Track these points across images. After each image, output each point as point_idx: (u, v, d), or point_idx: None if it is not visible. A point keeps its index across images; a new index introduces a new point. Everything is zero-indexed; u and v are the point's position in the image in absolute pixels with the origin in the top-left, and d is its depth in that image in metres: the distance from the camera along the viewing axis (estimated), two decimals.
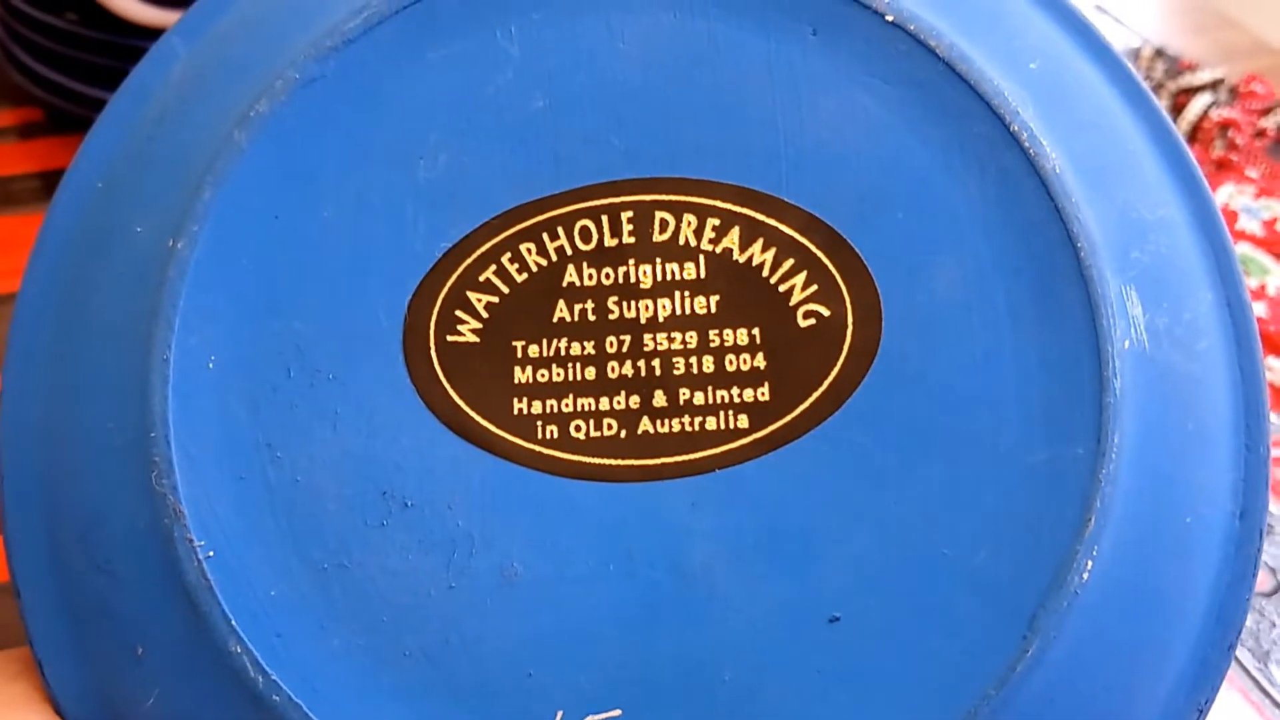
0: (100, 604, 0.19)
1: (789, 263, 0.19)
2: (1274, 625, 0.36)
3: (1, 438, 0.20)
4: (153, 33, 0.47)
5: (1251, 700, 0.32)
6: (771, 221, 0.19)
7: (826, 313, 0.19)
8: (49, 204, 0.21)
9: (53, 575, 0.19)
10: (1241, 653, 0.34)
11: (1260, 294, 0.47)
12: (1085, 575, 0.18)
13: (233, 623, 0.17)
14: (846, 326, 0.19)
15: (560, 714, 0.17)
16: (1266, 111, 0.53)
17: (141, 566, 0.18)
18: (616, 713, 0.17)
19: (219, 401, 0.18)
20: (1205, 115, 0.51)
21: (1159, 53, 0.56)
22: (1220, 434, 0.20)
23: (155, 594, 0.18)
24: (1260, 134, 0.51)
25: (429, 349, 0.19)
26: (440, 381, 0.19)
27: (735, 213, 0.19)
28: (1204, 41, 0.60)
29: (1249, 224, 0.48)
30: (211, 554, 0.18)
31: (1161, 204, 0.20)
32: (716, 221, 0.19)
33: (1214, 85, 0.53)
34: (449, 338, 0.19)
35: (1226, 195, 0.50)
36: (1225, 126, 0.51)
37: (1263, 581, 0.37)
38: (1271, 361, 0.44)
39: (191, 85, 0.21)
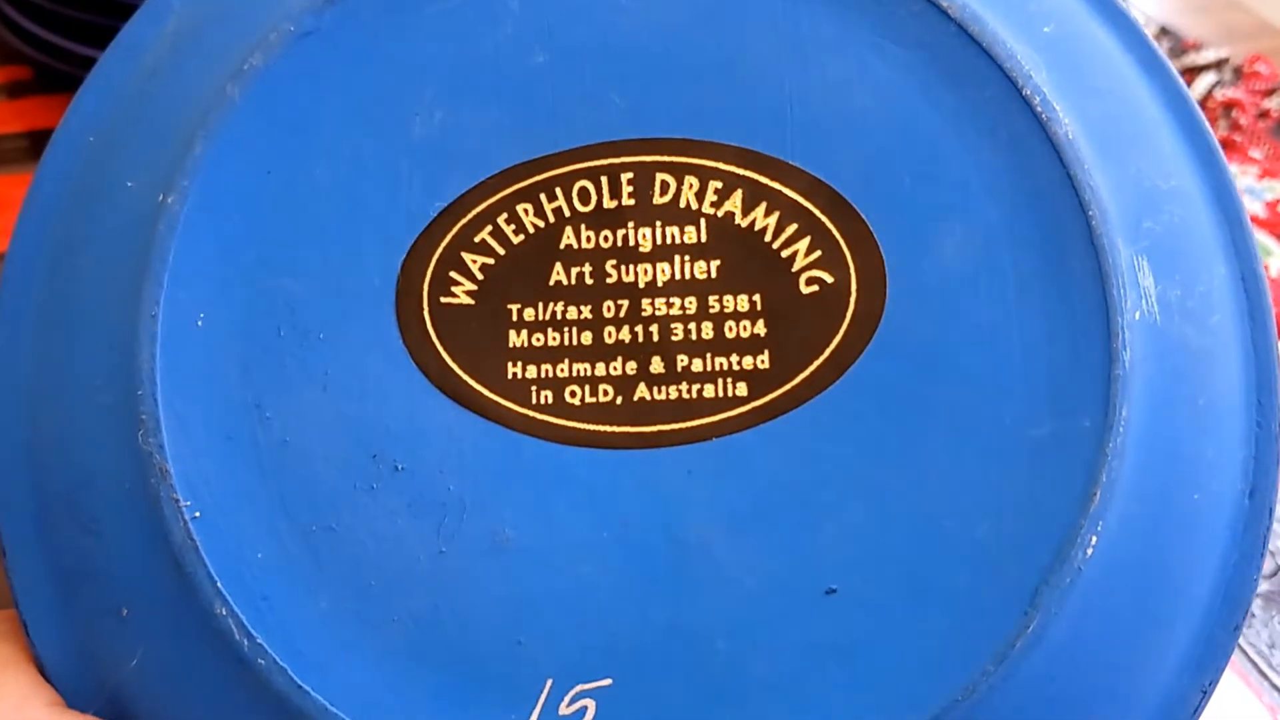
0: (86, 564, 0.18)
1: (792, 228, 0.19)
2: (1272, 609, 0.35)
3: None
4: None
5: (1251, 684, 0.32)
6: (775, 185, 0.19)
7: (830, 280, 0.18)
8: (38, 162, 0.20)
9: (39, 536, 0.19)
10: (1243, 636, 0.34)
11: None
12: (1089, 551, 0.17)
13: (218, 584, 0.17)
14: (850, 294, 0.18)
15: (550, 683, 0.17)
16: (1270, 92, 0.52)
17: (128, 527, 0.18)
18: (607, 682, 0.17)
19: (208, 360, 0.18)
20: (1209, 95, 0.51)
21: (1164, 31, 0.56)
22: (1231, 410, 0.19)
23: (141, 554, 0.18)
24: (1264, 115, 0.51)
25: (422, 310, 0.18)
26: (433, 343, 0.18)
27: (738, 175, 0.19)
28: (1209, 21, 0.59)
29: (1252, 205, 0.48)
30: (198, 514, 0.17)
31: (1176, 174, 0.20)
32: (719, 184, 0.19)
33: (1218, 65, 0.53)
34: (443, 299, 0.19)
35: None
36: (1229, 107, 0.51)
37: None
38: None
39: (185, 39, 0.20)
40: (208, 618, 0.17)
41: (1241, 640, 0.34)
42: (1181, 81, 0.21)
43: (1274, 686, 0.32)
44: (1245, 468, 0.19)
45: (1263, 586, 0.35)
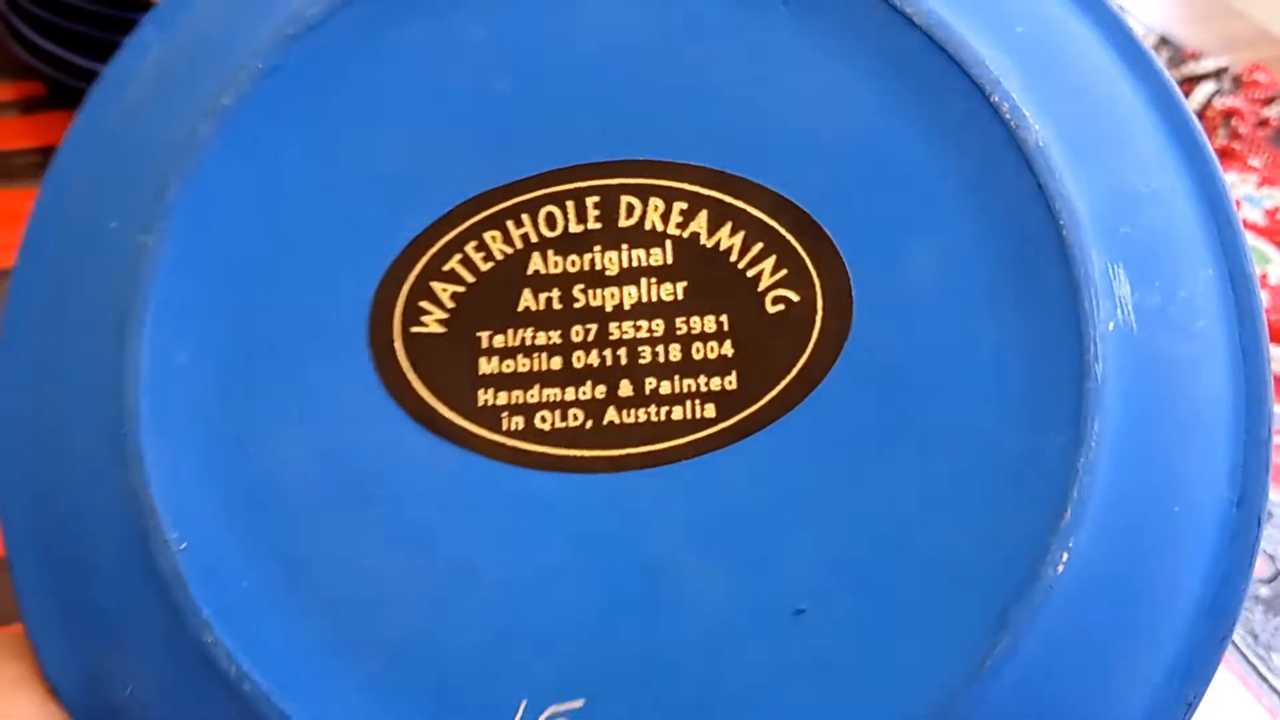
0: (84, 594, 0.19)
1: (758, 247, 0.19)
2: (1272, 613, 0.35)
3: None
4: (153, 6, 0.48)
5: (1250, 686, 0.32)
6: (740, 204, 0.19)
7: (796, 298, 0.18)
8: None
9: (44, 562, 0.19)
10: (1239, 637, 0.34)
11: (1263, 283, 0.46)
12: (1060, 568, 0.17)
13: (204, 615, 0.17)
14: (816, 312, 0.18)
15: (524, 705, 0.17)
16: (1269, 101, 0.52)
17: (120, 559, 0.18)
18: (579, 703, 0.17)
19: (190, 397, 0.18)
20: (1209, 104, 0.51)
21: (1163, 41, 0.56)
22: (1217, 417, 0.19)
23: (133, 586, 0.18)
24: (1263, 123, 0.51)
25: (393, 341, 0.19)
26: (405, 374, 0.19)
27: (703, 195, 0.19)
28: (1208, 30, 0.59)
29: (1252, 213, 0.48)
30: (185, 546, 0.18)
31: (1158, 174, 0.19)
32: (684, 205, 0.19)
33: (1217, 74, 0.53)
34: (414, 329, 0.19)
35: (1229, 184, 0.50)
36: (1228, 115, 0.51)
37: (1261, 569, 0.36)
38: (1275, 352, 0.43)
39: (162, 76, 0.20)
40: (196, 645, 0.17)
41: (1241, 644, 0.34)
42: (1168, 77, 0.20)
43: (1273, 689, 0.32)
44: (1232, 476, 0.19)
45: (1263, 591, 0.35)
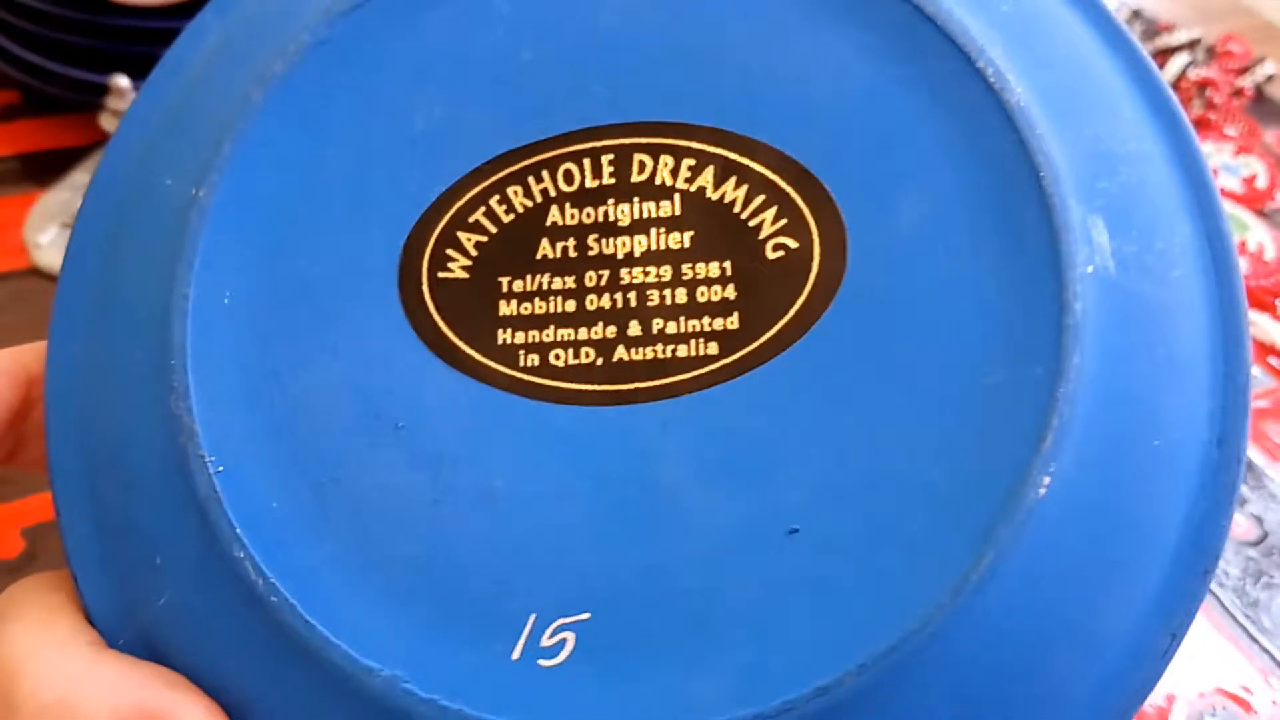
0: (125, 519, 0.20)
1: (760, 199, 0.20)
2: (1261, 574, 0.37)
3: (48, 374, 0.21)
4: (127, 11, 0.49)
5: (1242, 648, 0.34)
6: (744, 160, 0.20)
7: (794, 245, 0.20)
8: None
9: (87, 497, 0.21)
10: (1230, 600, 0.35)
11: (1241, 249, 0.48)
12: (1042, 490, 0.18)
13: (238, 531, 0.19)
14: (813, 258, 0.20)
15: (533, 617, 0.19)
16: (1244, 70, 0.54)
17: (161, 482, 0.20)
18: (585, 616, 0.19)
19: (232, 334, 0.20)
20: (1183, 75, 0.52)
21: (1136, 14, 0.57)
22: (1196, 362, 0.20)
23: (172, 507, 0.19)
24: (1238, 93, 0.52)
25: (421, 285, 0.20)
26: (431, 315, 0.20)
27: (710, 153, 0.20)
28: (1181, 2, 0.61)
29: (1228, 181, 0.49)
30: (221, 469, 0.19)
31: (1135, 138, 0.21)
32: (692, 162, 0.20)
33: (1191, 45, 0.54)
34: (440, 274, 0.20)
35: (1206, 153, 0.52)
36: (1203, 86, 0.52)
37: (1248, 531, 0.38)
38: (1254, 316, 0.45)
39: (219, 53, 0.22)
40: (228, 561, 0.19)
41: (1232, 606, 0.35)
42: (1146, 55, 0.22)
43: (1264, 650, 0.34)
44: (1212, 418, 0.20)
45: (1251, 554, 0.37)
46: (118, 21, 0.50)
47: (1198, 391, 0.20)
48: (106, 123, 0.49)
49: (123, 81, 0.48)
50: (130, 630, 0.20)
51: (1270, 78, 0.51)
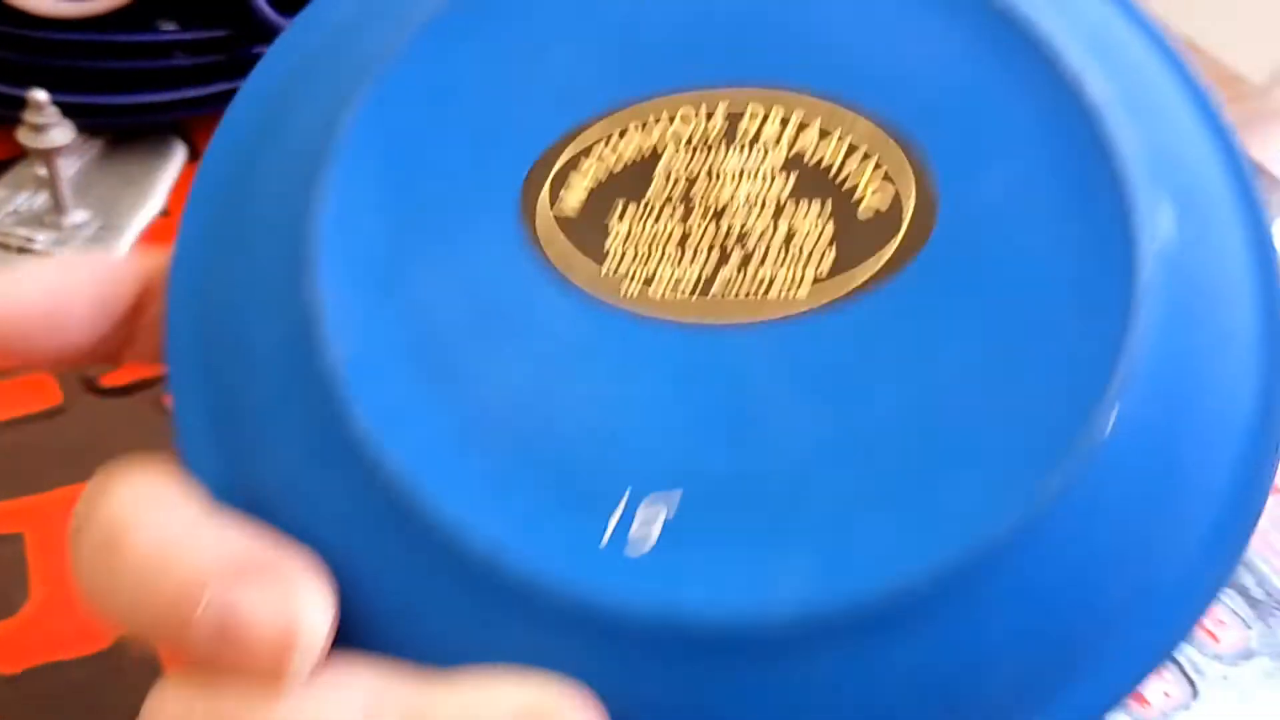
0: (244, 401, 0.22)
1: (859, 154, 0.22)
2: None
3: (173, 272, 0.23)
4: (45, 24, 0.50)
5: None
6: (846, 121, 0.22)
7: (889, 203, 0.22)
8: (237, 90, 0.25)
9: (203, 382, 0.23)
10: None
11: None
12: (1109, 427, 0.20)
13: (357, 401, 0.20)
14: (904, 214, 0.22)
15: (626, 499, 0.20)
16: None
17: (287, 367, 0.21)
18: (677, 494, 0.20)
19: (364, 238, 0.22)
20: None
21: None
22: (1244, 340, 0.22)
23: (295, 389, 0.21)
24: None
25: (536, 214, 0.22)
26: (549, 237, 0.22)
27: (815, 112, 0.22)
28: None
29: None
30: (347, 354, 0.21)
31: (1192, 143, 0.23)
32: (799, 119, 0.22)
33: None
34: (559, 202, 0.22)
35: None
36: None
37: None
38: None
39: (363, 7, 0.25)
40: (348, 431, 0.20)
41: None
42: (1201, 77, 0.24)
43: None
44: (1258, 392, 0.22)
45: None
46: (35, 34, 0.51)
47: (1245, 367, 0.22)
48: (24, 137, 0.49)
49: (40, 95, 0.48)
50: (234, 497, 0.22)
51: None
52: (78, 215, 0.53)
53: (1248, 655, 0.39)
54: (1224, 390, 0.21)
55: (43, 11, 0.51)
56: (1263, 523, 0.43)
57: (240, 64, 0.56)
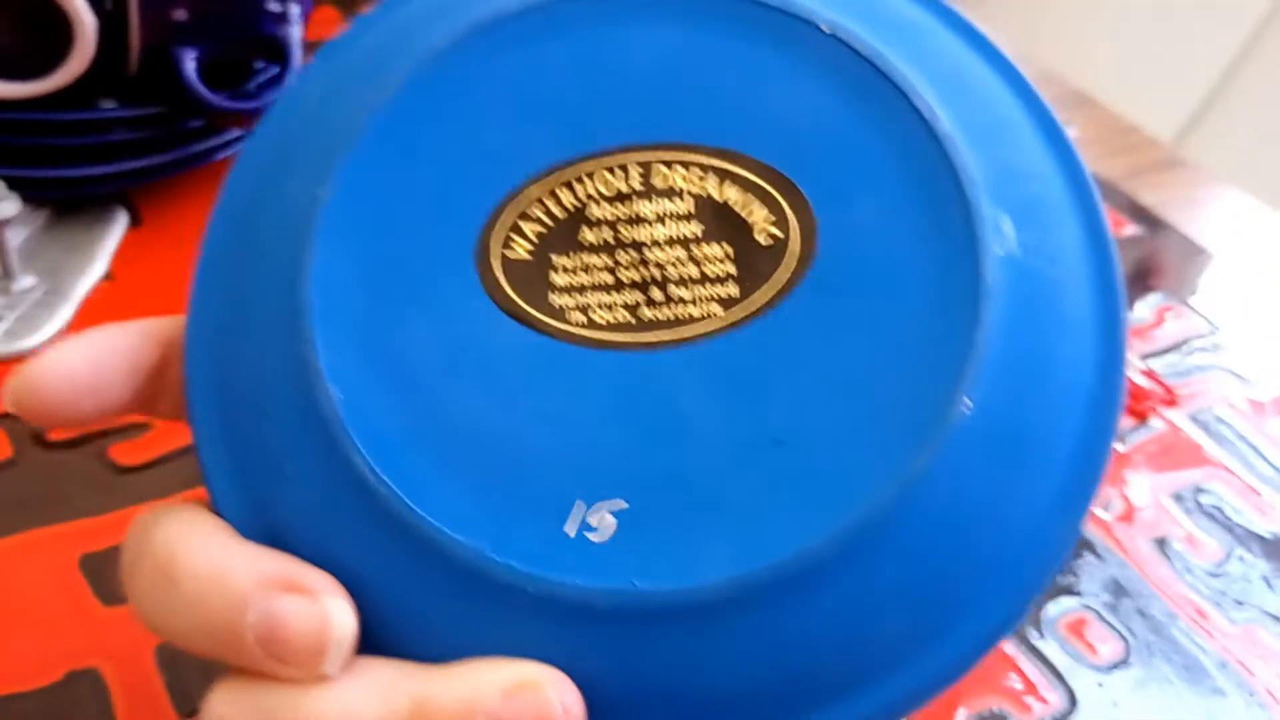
0: (258, 442, 0.26)
1: (753, 199, 0.26)
2: None
3: (189, 333, 0.27)
4: (9, 105, 0.53)
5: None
6: (740, 171, 0.27)
7: (779, 234, 0.26)
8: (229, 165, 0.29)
9: (221, 428, 0.27)
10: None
11: None
12: (965, 409, 0.24)
13: (355, 442, 0.24)
14: (793, 243, 0.26)
15: (581, 504, 0.24)
16: None
17: (292, 412, 0.25)
18: (622, 504, 0.24)
19: (346, 294, 0.26)
20: None
21: None
22: (1082, 324, 0.26)
23: (301, 430, 0.25)
24: None
25: (492, 262, 0.26)
26: (501, 284, 0.26)
27: (714, 165, 0.27)
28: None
29: None
30: (341, 397, 0.25)
31: (1035, 161, 0.28)
32: (700, 172, 0.27)
33: None
34: (507, 254, 0.26)
35: None
36: None
37: None
38: None
39: (331, 90, 0.29)
40: (346, 465, 0.24)
41: None
42: (1042, 98, 0.29)
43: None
44: (1097, 365, 0.26)
45: None
46: None
47: (1085, 346, 0.27)
48: None
49: None
50: (258, 530, 0.26)
51: (1075, 142, 0.59)
52: (25, 281, 0.56)
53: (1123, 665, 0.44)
54: (1065, 370, 0.26)
55: None
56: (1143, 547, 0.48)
57: (176, 137, 0.59)
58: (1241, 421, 0.55)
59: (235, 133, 0.61)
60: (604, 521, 0.24)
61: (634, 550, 0.24)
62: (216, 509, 0.26)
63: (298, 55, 0.60)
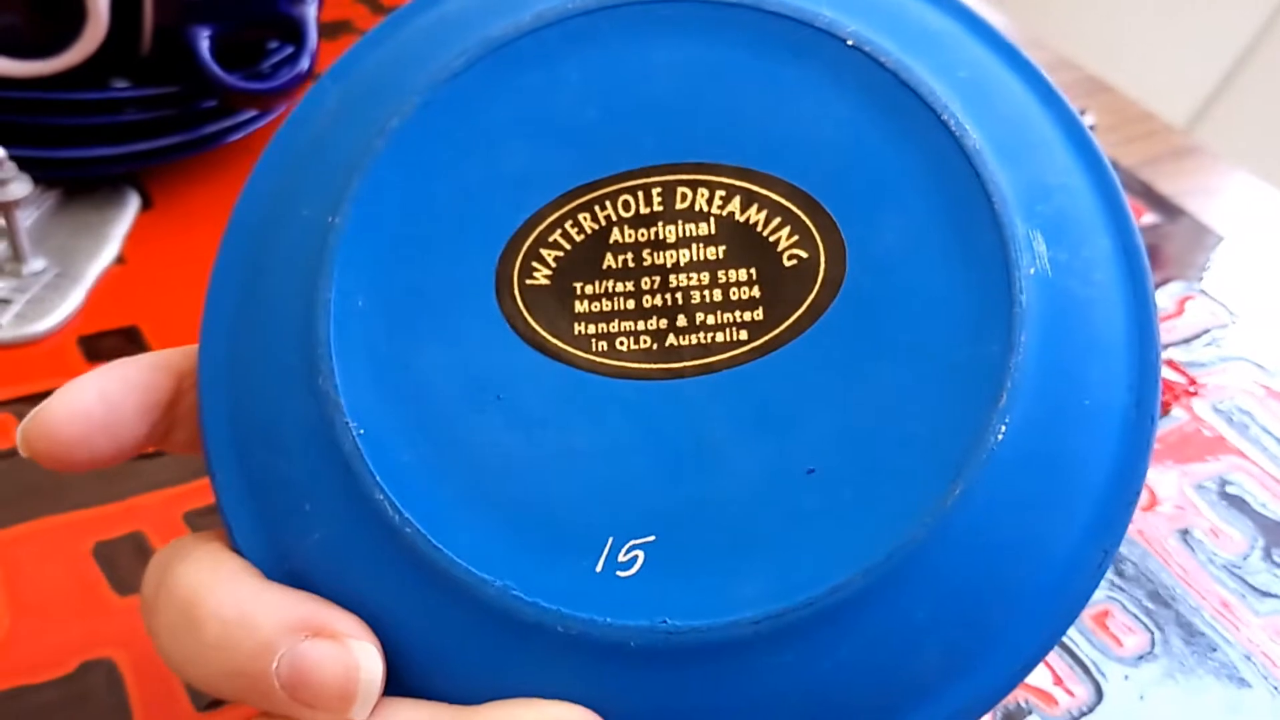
0: (277, 478, 0.26)
1: (777, 220, 0.26)
2: None
3: (201, 365, 0.27)
4: (20, 84, 0.52)
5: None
6: (764, 191, 0.26)
7: (805, 256, 0.26)
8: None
9: (238, 464, 0.26)
10: None
11: None
12: (999, 437, 0.24)
13: (377, 479, 0.24)
14: (820, 265, 0.25)
15: (610, 540, 0.24)
16: None
17: (311, 447, 0.25)
18: (651, 539, 0.24)
19: (364, 328, 0.25)
20: None
21: None
22: (1115, 343, 0.26)
23: (321, 465, 0.25)
24: None
25: (513, 290, 0.26)
26: (522, 313, 0.26)
27: (737, 186, 0.26)
28: None
29: None
30: (362, 432, 0.24)
31: (1065, 174, 0.27)
32: (723, 193, 0.26)
33: None
34: (528, 281, 0.26)
35: None
36: None
37: None
38: None
39: (342, 111, 0.28)
40: (368, 502, 0.24)
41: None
42: (1073, 109, 0.28)
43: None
44: (1130, 386, 0.26)
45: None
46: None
47: (1118, 365, 0.26)
48: None
49: None
50: (281, 570, 0.26)
51: (1092, 128, 0.58)
52: (36, 263, 0.55)
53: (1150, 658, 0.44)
54: (1098, 392, 0.25)
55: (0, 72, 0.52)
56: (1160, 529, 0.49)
57: (189, 118, 0.58)
58: (1263, 411, 0.55)
59: (249, 114, 0.60)
60: (633, 558, 0.24)
61: (664, 586, 0.24)
62: (236, 548, 0.26)
63: (313, 35, 0.59)
